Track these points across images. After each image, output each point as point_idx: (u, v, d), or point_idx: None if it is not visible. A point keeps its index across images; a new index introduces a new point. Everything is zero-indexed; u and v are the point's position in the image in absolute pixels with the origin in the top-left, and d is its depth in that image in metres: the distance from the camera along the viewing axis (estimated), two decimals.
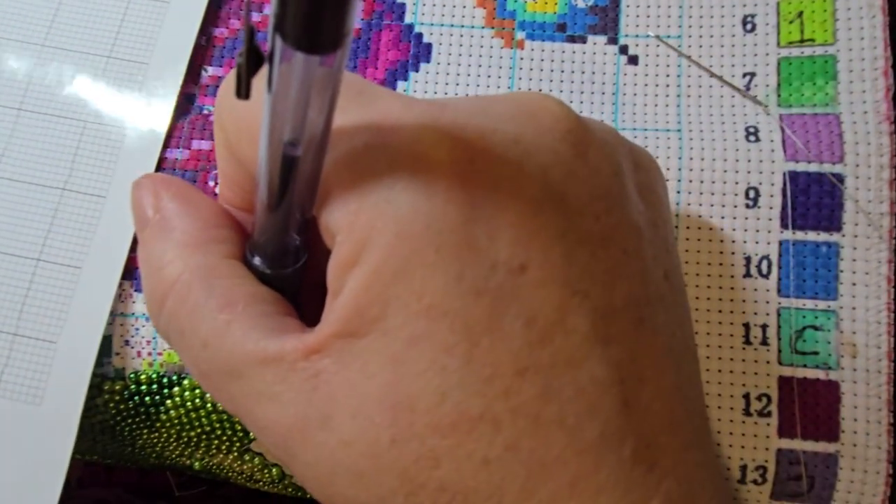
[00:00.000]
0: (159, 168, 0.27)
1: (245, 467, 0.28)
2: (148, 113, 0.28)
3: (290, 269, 0.19)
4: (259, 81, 0.14)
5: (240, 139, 0.18)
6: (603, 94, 0.28)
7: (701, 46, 0.28)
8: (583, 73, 0.28)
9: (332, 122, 0.15)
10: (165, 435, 0.27)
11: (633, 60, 0.28)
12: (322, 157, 0.16)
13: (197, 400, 0.26)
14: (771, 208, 0.25)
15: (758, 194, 0.25)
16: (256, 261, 0.19)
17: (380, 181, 0.16)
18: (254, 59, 0.14)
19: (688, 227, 0.25)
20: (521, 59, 0.28)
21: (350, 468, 0.16)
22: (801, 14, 0.27)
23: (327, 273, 0.17)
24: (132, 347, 0.26)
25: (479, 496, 0.15)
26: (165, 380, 0.26)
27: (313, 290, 0.19)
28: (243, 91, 0.14)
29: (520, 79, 0.28)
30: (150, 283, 0.19)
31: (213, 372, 0.18)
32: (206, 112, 0.28)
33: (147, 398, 0.26)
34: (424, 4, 0.29)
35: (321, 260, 0.18)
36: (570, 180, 0.17)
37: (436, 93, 0.28)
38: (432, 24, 0.29)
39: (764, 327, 0.25)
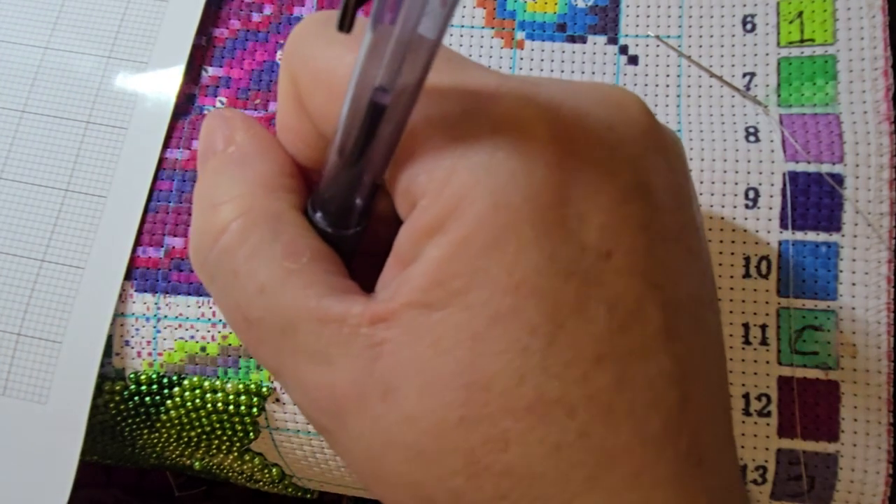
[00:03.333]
0: (159, 168, 0.27)
1: (245, 467, 0.28)
2: (148, 113, 0.28)
3: (352, 230, 0.18)
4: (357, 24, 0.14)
5: (315, 91, 0.17)
6: None
7: (701, 46, 0.28)
8: (583, 73, 0.28)
9: (427, 75, 0.15)
10: (165, 435, 0.27)
11: (633, 60, 0.28)
12: (409, 112, 0.15)
13: (197, 400, 0.26)
14: (771, 208, 0.25)
15: (758, 194, 0.25)
16: (318, 217, 0.18)
17: (480, 146, 0.15)
18: None
19: None
20: (521, 59, 0.28)
21: (409, 445, 0.16)
22: (801, 14, 0.27)
23: (398, 239, 0.16)
24: (132, 347, 0.26)
25: (545, 483, 0.15)
26: (165, 380, 0.26)
27: (365, 257, 0.19)
28: (347, 24, 0.13)
29: None
30: (204, 216, 0.18)
31: (262, 321, 0.17)
32: (206, 112, 0.28)
33: (147, 398, 0.26)
34: None
35: (378, 228, 0.17)
36: (653, 174, 0.17)
37: None
38: None
39: (763, 327, 0.25)
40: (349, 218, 0.18)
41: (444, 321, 0.15)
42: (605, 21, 0.28)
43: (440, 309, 0.15)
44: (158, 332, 0.26)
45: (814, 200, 0.25)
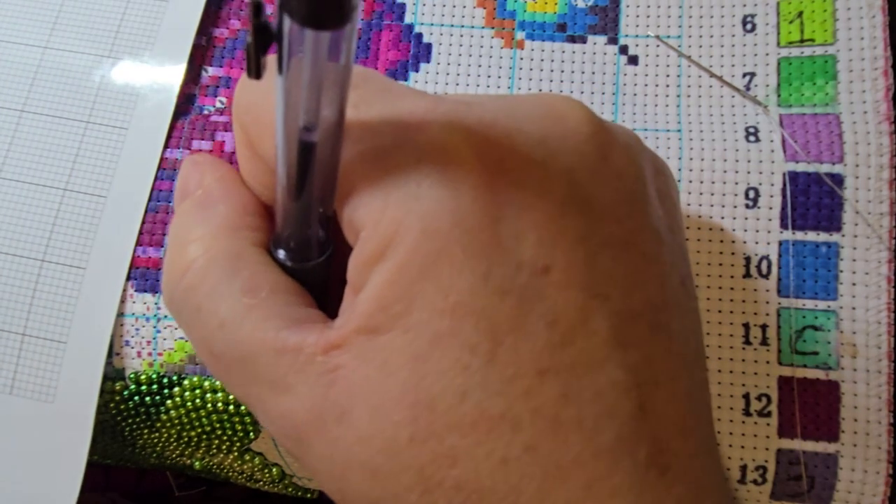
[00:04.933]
0: (159, 168, 0.27)
1: (245, 467, 0.28)
2: (148, 112, 0.28)
3: (313, 262, 0.19)
4: (273, 66, 0.14)
5: (262, 136, 0.18)
6: (603, 94, 0.28)
7: (701, 46, 0.28)
8: (583, 73, 0.28)
9: (346, 105, 0.15)
10: (165, 435, 0.27)
11: (633, 60, 0.28)
12: (339, 144, 0.16)
13: (197, 400, 0.26)
14: (771, 208, 0.25)
15: (758, 194, 0.25)
16: (280, 254, 0.19)
17: (407, 177, 0.16)
18: (262, 38, 0.13)
19: (688, 228, 0.25)
20: (521, 59, 0.28)
21: (365, 464, 0.16)
22: (801, 14, 0.27)
23: (348, 268, 0.17)
24: (132, 347, 0.26)
25: (496, 496, 0.15)
26: (165, 380, 0.26)
27: (337, 285, 0.19)
28: (253, 70, 0.14)
29: (520, 79, 0.28)
30: (173, 254, 0.19)
31: (225, 354, 0.18)
32: (206, 112, 0.28)
33: (147, 398, 0.26)
34: (424, 4, 0.29)
35: (345, 255, 0.18)
36: (594, 183, 0.17)
37: (436, 93, 0.28)
38: (432, 24, 0.29)
39: (764, 327, 0.25)
40: (308, 251, 0.19)
41: (388, 344, 0.16)
42: (605, 21, 0.28)
43: (384, 333, 0.16)
44: (158, 332, 0.26)
45: (814, 200, 0.25)
